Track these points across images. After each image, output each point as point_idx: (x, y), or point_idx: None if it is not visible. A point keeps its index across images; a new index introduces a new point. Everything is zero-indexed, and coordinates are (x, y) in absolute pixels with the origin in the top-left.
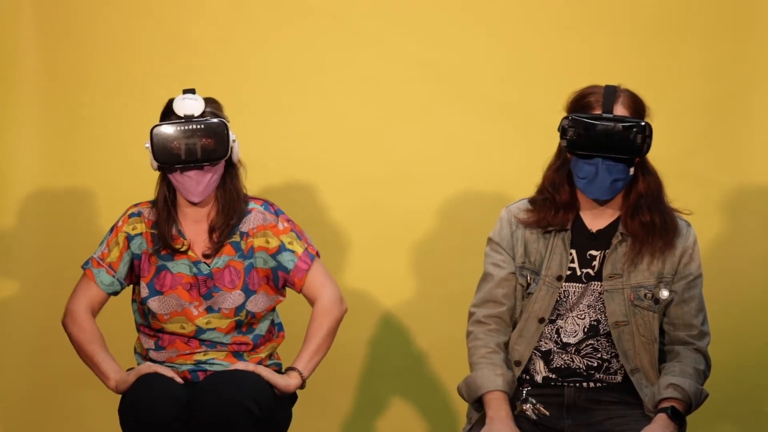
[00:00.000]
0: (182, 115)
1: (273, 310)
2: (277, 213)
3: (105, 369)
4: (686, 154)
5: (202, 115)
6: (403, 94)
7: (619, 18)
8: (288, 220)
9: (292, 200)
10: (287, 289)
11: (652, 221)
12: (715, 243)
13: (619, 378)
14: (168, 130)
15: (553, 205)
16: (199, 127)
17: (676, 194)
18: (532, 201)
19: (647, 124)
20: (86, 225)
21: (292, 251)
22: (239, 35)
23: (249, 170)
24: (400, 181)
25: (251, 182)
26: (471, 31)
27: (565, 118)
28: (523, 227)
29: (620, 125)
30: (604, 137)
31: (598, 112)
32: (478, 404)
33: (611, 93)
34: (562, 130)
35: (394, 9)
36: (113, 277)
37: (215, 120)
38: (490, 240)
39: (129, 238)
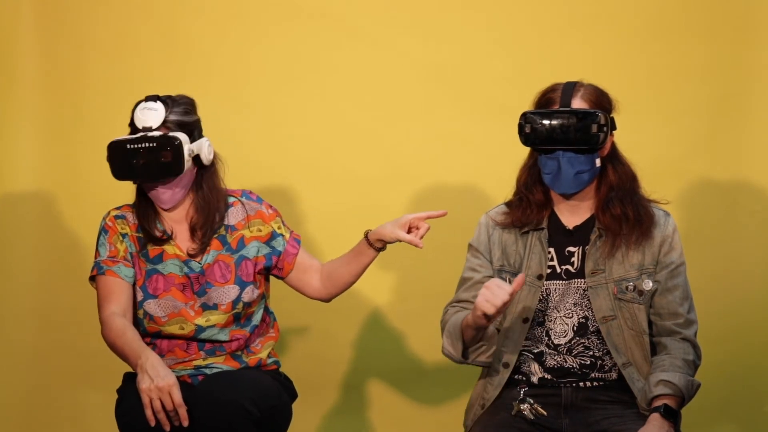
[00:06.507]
0: (140, 128)
1: (263, 297)
2: (259, 200)
3: (132, 360)
4: (686, 154)
5: (164, 123)
6: (403, 94)
7: (619, 18)
8: (270, 206)
9: (290, 199)
10: (273, 282)
11: (624, 213)
12: (714, 243)
13: (614, 375)
14: (122, 146)
15: (528, 205)
16: (152, 145)
17: (675, 194)
18: (508, 204)
19: (602, 113)
20: (84, 225)
21: (282, 235)
22: (238, 36)
23: (247, 170)
24: (400, 181)
25: (250, 182)
26: (471, 31)
27: (522, 115)
28: (501, 230)
29: (574, 116)
30: (559, 129)
31: (557, 107)
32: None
33: (570, 88)
34: (519, 127)
35: (394, 9)
36: (132, 268)
37: (170, 135)
38: (469, 246)
39: (122, 236)
